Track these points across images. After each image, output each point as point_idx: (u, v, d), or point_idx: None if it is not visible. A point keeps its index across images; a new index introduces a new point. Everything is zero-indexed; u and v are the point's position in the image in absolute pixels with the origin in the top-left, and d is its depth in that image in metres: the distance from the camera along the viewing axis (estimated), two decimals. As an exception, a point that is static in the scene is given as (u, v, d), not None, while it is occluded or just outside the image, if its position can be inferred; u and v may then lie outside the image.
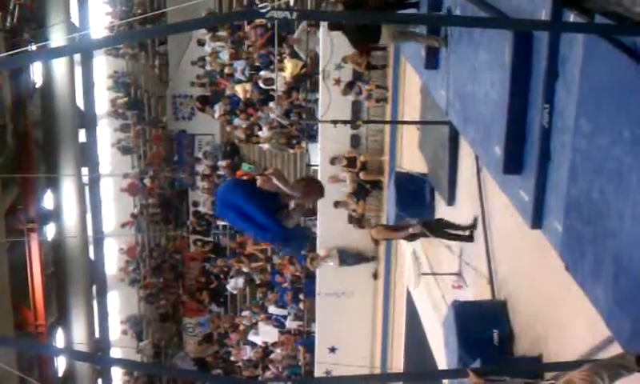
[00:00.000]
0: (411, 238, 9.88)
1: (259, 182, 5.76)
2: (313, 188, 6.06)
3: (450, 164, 10.08)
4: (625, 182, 4.34)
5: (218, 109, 20.54)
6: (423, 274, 11.57)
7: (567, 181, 5.18)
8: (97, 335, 23.23)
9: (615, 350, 4.72)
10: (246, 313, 21.51)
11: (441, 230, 9.36)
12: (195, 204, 23.17)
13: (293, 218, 5.83)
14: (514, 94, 6.03)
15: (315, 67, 17.07)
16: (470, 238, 9.12)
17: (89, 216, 22.39)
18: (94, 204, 23.01)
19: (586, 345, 5.65)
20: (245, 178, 7.40)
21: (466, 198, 9.60)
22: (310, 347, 18.97)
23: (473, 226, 8.99)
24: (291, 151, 19.21)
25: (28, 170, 17.99)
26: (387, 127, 15.95)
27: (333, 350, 17.91)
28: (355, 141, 16.78)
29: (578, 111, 4.95)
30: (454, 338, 7.84)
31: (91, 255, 22.91)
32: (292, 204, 5.89)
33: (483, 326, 7.86)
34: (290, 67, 17.80)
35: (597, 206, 4.72)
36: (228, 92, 20.04)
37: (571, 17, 5.07)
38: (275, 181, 5.85)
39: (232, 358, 22.16)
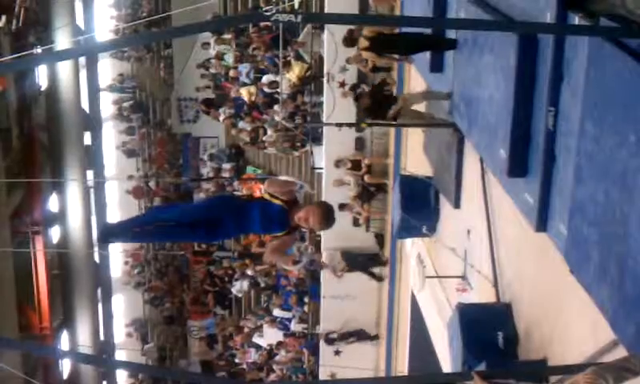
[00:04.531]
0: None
1: (266, 185, 5.61)
2: (320, 209, 5.45)
3: (455, 167, 10.07)
4: (630, 184, 4.33)
5: (223, 112, 20.58)
6: (428, 277, 11.56)
7: (572, 184, 5.17)
8: (102, 338, 23.25)
9: (620, 353, 4.71)
10: (250, 316, 21.51)
11: None
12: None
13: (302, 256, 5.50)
14: (518, 97, 6.04)
15: (320, 70, 17.09)
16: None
17: (94, 219, 22.41)
18: (98, 207, 23.04)
19: (591, 348, 5.63)
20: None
21: (471, 201, 9.59)
22: (314, 350, 18.97)
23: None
24: (296, 154, 19.22)
25: (33, 173, 18.00)
26: (392, 130, 15.94)
27: (337, 352, 17.90)
28: (360, 144, 16.78)
29: (583, 114, 4.95)
30: (459, 340, 7.82)
31: (96, 258, 22.94)
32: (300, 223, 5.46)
33: (488, 329, 7.83)
34: (295, 70, 17.82)
35: (602, 209, 4.71)
36: (233, 95, 20.07)
37: (576, 20, 5.08)
38: (274, 183, 5.71)
39: (237, 361, 22.16)
